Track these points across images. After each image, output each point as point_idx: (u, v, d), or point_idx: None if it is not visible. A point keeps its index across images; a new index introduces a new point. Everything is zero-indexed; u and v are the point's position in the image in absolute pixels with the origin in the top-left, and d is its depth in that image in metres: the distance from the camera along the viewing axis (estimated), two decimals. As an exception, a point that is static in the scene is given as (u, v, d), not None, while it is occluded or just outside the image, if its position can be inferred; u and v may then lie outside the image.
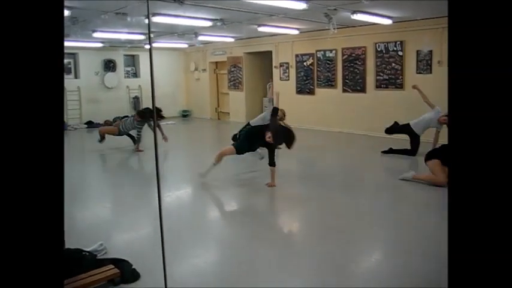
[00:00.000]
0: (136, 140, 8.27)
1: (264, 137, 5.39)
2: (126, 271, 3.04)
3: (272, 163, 5.39)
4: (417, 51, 8.54)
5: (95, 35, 9.30)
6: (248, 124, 6.95)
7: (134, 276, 3.03)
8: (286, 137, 5.39)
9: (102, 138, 8.34)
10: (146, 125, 8.20)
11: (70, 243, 3.15)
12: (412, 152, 6.99)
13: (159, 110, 8.17)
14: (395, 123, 7.40)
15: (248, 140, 5.68)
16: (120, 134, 8.36)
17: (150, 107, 13.62)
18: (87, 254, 3.27)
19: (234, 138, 7.33)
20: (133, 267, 3.12)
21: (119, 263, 3.13)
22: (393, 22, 8.16)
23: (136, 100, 13.89)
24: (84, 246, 3.35)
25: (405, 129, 7.13)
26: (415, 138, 7.00)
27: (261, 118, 7.36)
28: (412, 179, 5.39)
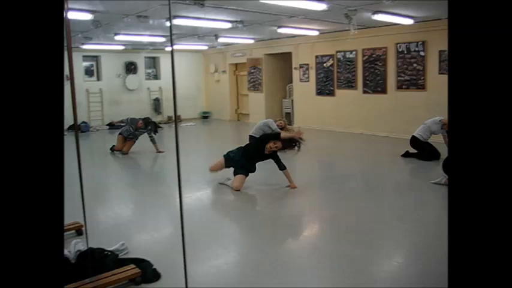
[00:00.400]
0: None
1: (263, 150, 5.39)
2: (147, 271, 3.08)
3: (283, 167, 5.39)
4: (439, 51, 8.40)
5: (117, 37, 9.44)
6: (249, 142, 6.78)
7: (155, 276, 3.06)
8: (292, 140, 5.52)
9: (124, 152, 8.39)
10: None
11: (92, 242, 3.20)
12: (435, 155, 6.87)
13: (155, 124, 8.51)
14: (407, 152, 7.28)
15: (251, 161, 5.57)
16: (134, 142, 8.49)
17: (171, 108, 13.78)
18: (109, 253, 3.32)
19: (251, 138, 7.44)
20: (153, 267, 3.15)
21: (140, 262, 3.16)
22: (415, 22, 8.05)
23: (157, 102, 14.04)
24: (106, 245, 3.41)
25: (414, 143, 7.06)
26: (427, 145, 6.96)
27: (260, 128, 7.57)
28: (444, 183, 5.28)
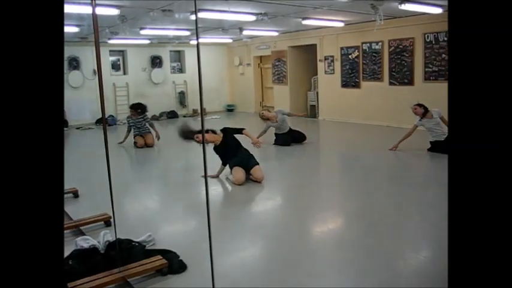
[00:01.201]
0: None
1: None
2: (174, 262, 3.13)
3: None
4: (469, 41, 8.16)
5: (143, 32, 9.55)
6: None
7: (181, 267, 3.11)
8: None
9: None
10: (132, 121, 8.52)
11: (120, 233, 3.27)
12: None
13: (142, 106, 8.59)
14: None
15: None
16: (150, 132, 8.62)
17: (196, 101, 13.91)
18: (137, 244, 3.39)
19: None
20: (180, 258, 3.20)
21: (166, 254, 3.22)
22: (444, 11, 7.82)
23: (182, 95, 14.16)
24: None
25: (434, 147, 6.87)
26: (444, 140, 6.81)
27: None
28: None
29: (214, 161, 5.64)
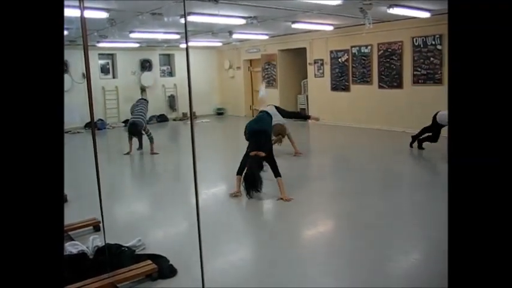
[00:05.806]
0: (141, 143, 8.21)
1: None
2: (164, 267, 3.10)
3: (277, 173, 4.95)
4: (457, 44, 8.24)
5: (132, 35, 9.50)
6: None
7: (171, 272, 3.08)
8: None
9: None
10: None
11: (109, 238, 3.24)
12: (433, 138, 6.95)
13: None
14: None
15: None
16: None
17: (186, 105, 13.84)
18: (126, 249, 3.36)
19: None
20: (170, 263, 3.18)
21: (156, 258, 3.19)
22: (432, 15, 7.90)
23: (171, 99, 14.11)
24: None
25: (433, 122, 6.97)
26: (437, 127, 6.89)
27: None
28: None
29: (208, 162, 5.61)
